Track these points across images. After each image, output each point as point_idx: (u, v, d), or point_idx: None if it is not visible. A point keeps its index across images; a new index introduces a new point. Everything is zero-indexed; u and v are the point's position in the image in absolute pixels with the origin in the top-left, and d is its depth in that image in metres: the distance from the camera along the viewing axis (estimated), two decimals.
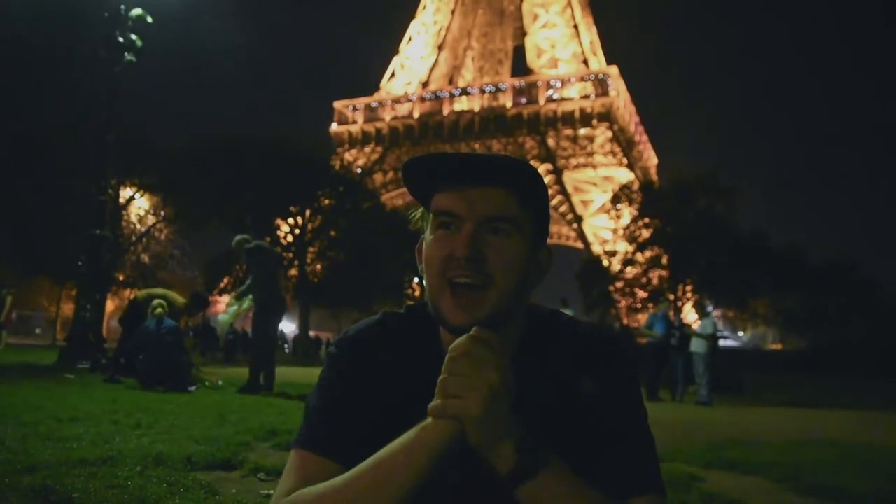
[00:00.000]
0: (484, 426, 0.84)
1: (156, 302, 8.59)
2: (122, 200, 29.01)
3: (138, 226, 32.11)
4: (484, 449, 0.86)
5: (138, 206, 31.77)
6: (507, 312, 0.99)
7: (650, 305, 34.91)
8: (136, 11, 11.84)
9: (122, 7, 11.73)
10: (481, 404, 0.82)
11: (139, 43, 11.89)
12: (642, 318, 36.08)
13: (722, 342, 19.36)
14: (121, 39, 11.66)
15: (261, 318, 8.54)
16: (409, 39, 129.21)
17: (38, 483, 2.64)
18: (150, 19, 11.98)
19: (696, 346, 11.88)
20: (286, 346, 36.87)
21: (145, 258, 32.53)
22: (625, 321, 44.49)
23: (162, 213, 32.16)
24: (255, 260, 8.57)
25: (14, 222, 28.66)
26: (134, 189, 30.40)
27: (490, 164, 0.97)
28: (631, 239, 38.46)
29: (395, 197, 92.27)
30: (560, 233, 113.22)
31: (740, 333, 59.52)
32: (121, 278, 31.09)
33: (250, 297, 8.56)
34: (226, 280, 34.76)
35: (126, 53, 11.75)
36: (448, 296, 0.96)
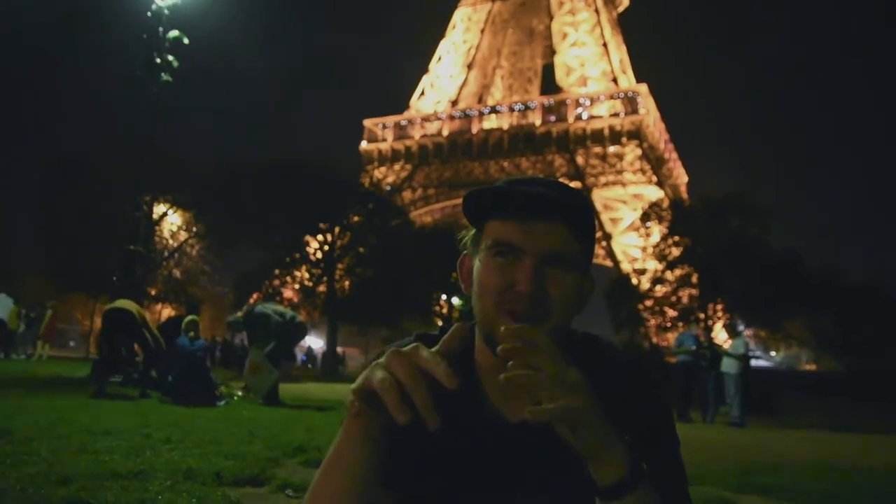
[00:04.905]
0: (594, 426, 0.82)
1: (188, 320, 8.75)
2: (155, 216, 29.50)
3: (171, 241, 32.59)
4: (590, 455, 0.84)
5: (171, 221, 32.24)
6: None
7: (680, 324, 34.45)
8: (174, 33, 12.15)
9: (161, 29, 12.03)
10: (585, 400, 0.81)
11: (175, 63, 12.17)
12: (671, 338, 35.63)
13: (754, 362, 19.00)
14: (158, 60, 11.95)
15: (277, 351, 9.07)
16: (439, 58, 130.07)
17: (72, 495, 2.69)
18: (186, 41, 12.26)
19: (728, 366, 11.69)
20: (308, 364, 36.92)
21: (177, 273, 32.94)
22: (654, 340, 43.93)
23: (194, 229, 32.62)
24: (281, 332, 9.08)
25: (51, 237, 29.36)
26: (167, 205, 30.88)
27: (552, 200, 0.99)
28: (660, 257, 38.02)
29: (424, 214, 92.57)
30: None
31: (773, 353, 58.40)
32: (153, 293, 31.50)
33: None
34: (255, 296, 35.05)
35: (163, 74, 12.04)
36: (504, 321, 0.95)
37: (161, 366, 8.71)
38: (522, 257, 0.98)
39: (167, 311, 32.22)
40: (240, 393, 9.37)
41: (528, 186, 1.00)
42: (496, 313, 0.99)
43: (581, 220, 1.01)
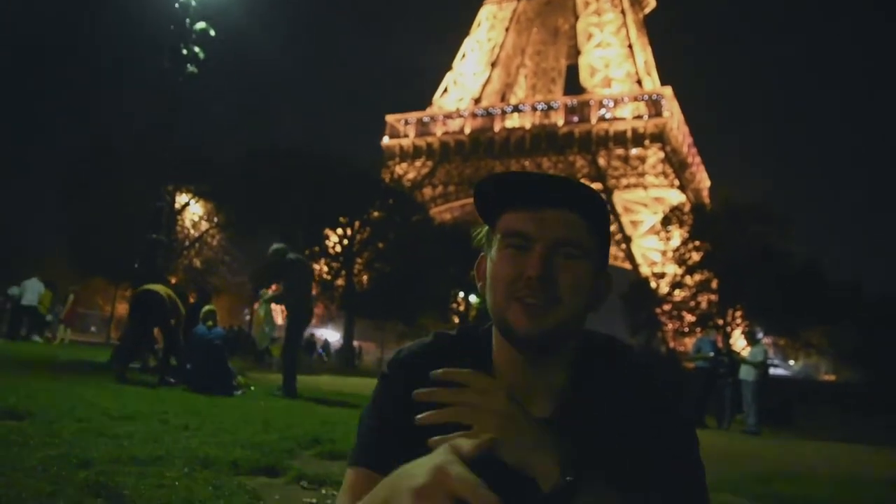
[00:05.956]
0: (512, 446, 0.86)
1: (207, 310, 8.84)
2: (177, 206, 29.76)
3: (192, 231, 32.89)
4: (523, 466, 0.87)
5: (193, 212, 32.53)
6: (570, 331, 1.01)
7: (698, 330, 34.18)
8: (200, 25, 12.24)
9: (188, 20, 12.13)
10: (496, 426, 0.86)
11: (202, 55, 12.27)
12: (689, 343, 35.38)
13: (772, 371, 18.82)
14: (184, 51, 12.05)
15: (294, 327, 9.04)
16: (463, 56, 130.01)
17: (92, 478, 2.73)
18: (213, 33, 12.36)
19: (746, 373, 11.59)
20: (324, 355, 37.04)
21: (197, 263, 33.24)
22: (671, 345, 43.65)
23: (215, 219, 32.89)
24: (291, 271, 8.93)
25: (75, 224, 29.76)
26: (189, 195, 31.16)
27: (564, 189, 0.99)
28: (680, 261, 37.77)
29: (444, 211, 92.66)
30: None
31: (791, 363, 57.77)
32: (173, 281, 31.73)
33: (267, 300, 8.97)
34: (274, 287, 35.22)
35: (189, 65, 12.14)
36: (516, 307, 0.98)
37: (179, 355, 8.78)
38: (533, 245, 0.98)
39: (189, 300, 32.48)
40: (252, 388, 9.41)
41: (538, 176, 1.00)
42: (506, 302, 0.99)
43: (594, 210, 1.01)
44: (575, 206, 0.99)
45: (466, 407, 0.89)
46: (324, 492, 3.21)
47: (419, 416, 0.92)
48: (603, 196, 1.01)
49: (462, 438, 0.82)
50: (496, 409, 0.88)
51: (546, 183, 0.99)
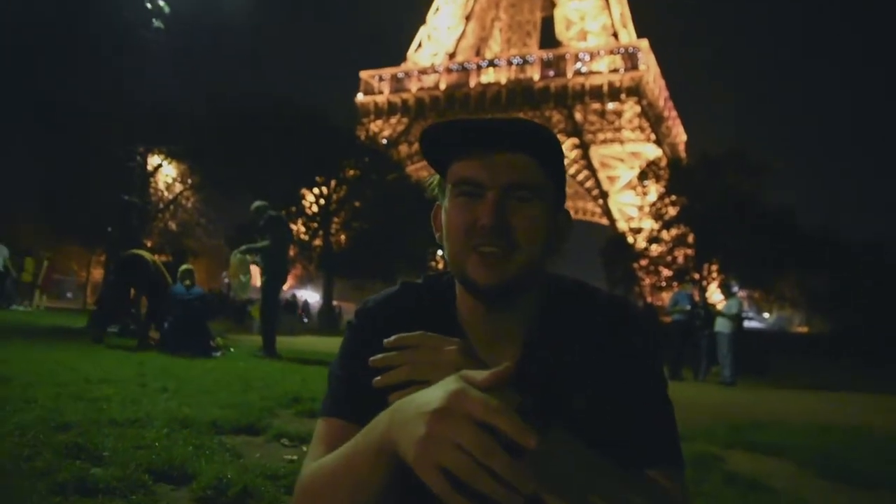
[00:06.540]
0: None
1: (184, 269, 8.76)
2: (149, 168, 29.26)
3: (166, 193, 32.42)
4: None
5: (166, 173, 32.02)
6: (531, 276, 0.99)
7: (675, 284, 34.64)
8: None
9: None
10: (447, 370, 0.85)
11: (167, 9, 11.93)
12: (666, 297, 35.87)
13: (747, 323, 19.16)
14: (148, 5, 11.71)
15: (271, 287, 8.99)
16: (437, 9, 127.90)
17: (70, 441, 2.72)
18: None
19: (721, 325, 11.78)
20: (305, 317, 37.04)
21: (172, 225, 32.85)
22: (649, 299, 44.25)
23: (189, 181, 32.42)
24: (272, 228, 8.84)
25: (42, 186, 29.18)
26: (161, 157, 30.62)
27: (509, 130, 0.96)
28: (657, 216, 38.04)
29: (420, 168, 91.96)
30: (585, 208, 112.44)
31: (765, 315, 58.92)
32: (149, 244, 31.39)
33: (245, 254, 8.84)
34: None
35: (154, 20, 11.81)
36: (474, 258, 0.96)
37: (161, 320, 8.71)
38: (485, 192, 0.96)
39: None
40: (232, 350, 9.39)
41: (484, 120, 0.97)
42: (464, 252, 0.98)
43: (546, 149, 0.98)
44: (524, 146, 0.96)
45: (422, 365, 0.91)
46: (305, 449, 3.23)
47: (376, 379, 0.94)
48: (561, 140, 0.98)
49: (471, 371, 0.78)
50: (450, 361, 0.90)
51: (492, 126, 0.96)
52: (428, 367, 0.91)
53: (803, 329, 58.02)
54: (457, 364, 0.89)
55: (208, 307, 9.05)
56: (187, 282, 8.60)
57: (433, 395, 0.73)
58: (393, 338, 0.95)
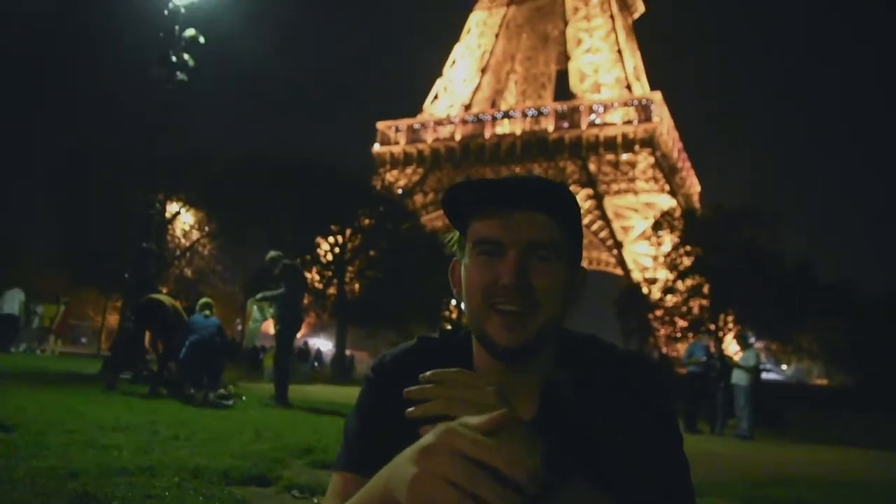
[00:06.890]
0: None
1: (204, 301, 8.88)
2: (168, 215, 29.64)
3: (183, 240, 32.76)
4: None
5: (183, 221, 32.42)
6: (550, 335, 1.01)
7: (690, 335, 34.29)
8: (190, 32, 12.22)
9: (177, 28, 12.12)
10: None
11: (191, 63, 12.25)
12: (681, 348, 35.45)
13: (765, 375, 18.84)
14: (174, 59, 12.03)
15: (285, 336, 9.03)
16: (453, 62, 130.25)
17: (80, 489, 2.71)
18: (202, 40, 12.34)
19: (738, 377, 11.61)
20: (316, 364, 36.84)
21: (188, 272, 33.10)
22: (664, 350, 43.74)
23: (206, 228, 32.77)
24: (287, 277, 8.93)
25: (65, 233, 29.61)
26: (180, 204, 31.05)
27: (529, 190, 0.99)
28: (671, 266, 37.88)
29: (435, 219, 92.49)
30: (599, 259, 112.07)
31: (783, 367, 57.94)
32: (165, 291, 31.56)
33: (268, 308, 8.97)
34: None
35: (178, 72, 12.12)
36: (495, 319, 0.98)
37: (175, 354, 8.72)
38: (506, 251, 0.98)
39: None
40: (244, 398, 9.36)
41: (504, 180, 0.99)
42: (484, 311, 0.99)
43: (563, 207, 1.00)
44: (543, 205, 0.99)
45: (456, 401, 0.88)
46: (315, 500, 3.20)
47: (409, 409, 0.90)
48: (575, 191, 1.00)
49: (469, 416, 0.76)
50: (485, 402, 0.87)
51: (511, 186, 0.98)
52: (462, 404, 0.89)
53: (823, 381, 56.90)
54: (493, 405, 0.88)
55: (225, 338, 9.12)
56: (206, 312, 8.68)
57: (426, 437, 0.72)
58: (430, 372, 0.93)
